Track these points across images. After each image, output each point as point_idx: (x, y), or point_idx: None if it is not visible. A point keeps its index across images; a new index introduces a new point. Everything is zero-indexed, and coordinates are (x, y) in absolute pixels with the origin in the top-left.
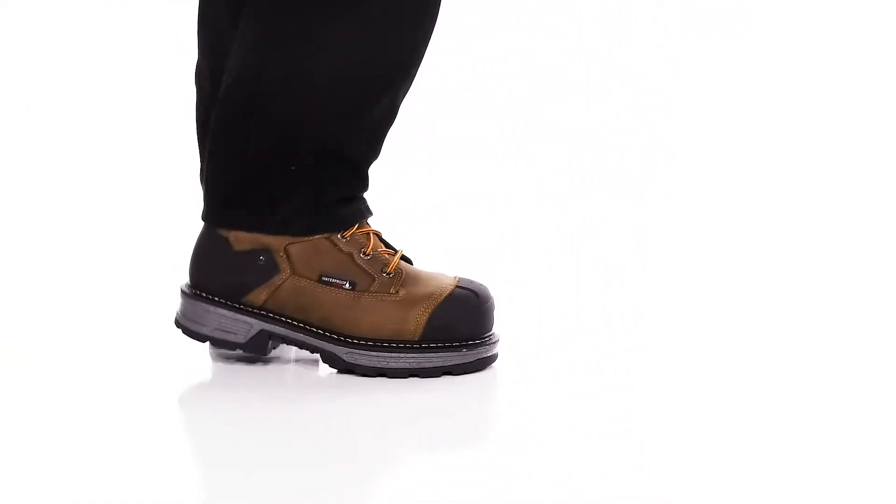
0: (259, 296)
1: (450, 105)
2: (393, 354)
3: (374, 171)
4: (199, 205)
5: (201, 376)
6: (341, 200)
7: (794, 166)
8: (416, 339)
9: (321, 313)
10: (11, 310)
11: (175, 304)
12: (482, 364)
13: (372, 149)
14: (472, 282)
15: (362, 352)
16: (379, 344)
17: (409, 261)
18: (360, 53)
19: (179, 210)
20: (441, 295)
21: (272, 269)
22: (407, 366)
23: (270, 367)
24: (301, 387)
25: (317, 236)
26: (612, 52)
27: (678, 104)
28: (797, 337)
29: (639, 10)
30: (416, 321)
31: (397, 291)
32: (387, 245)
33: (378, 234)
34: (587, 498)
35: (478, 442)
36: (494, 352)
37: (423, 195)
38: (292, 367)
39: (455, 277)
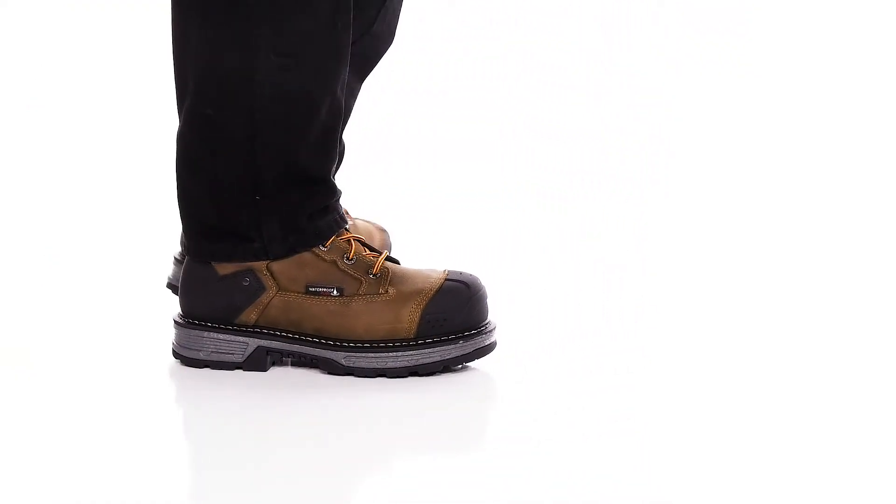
0: (250, 316)
1: (450, 105)
2: (391, 354)
3: (375, 171)
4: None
5: (201, 376)
6: (314, 214)
7: (793, 166)
8: (412, 335)
9: (314, 324)
10: (11, 310)
11: (171, 334)
12: (481, 353)
13: (328, 157)
14: (461, 273)
15: (360, 354)
16: (375, 345)
17: (395, 261)
18: (289, 66)
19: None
20: (432, 289)
21: (258, 288)
22: (406, 364)
23: (270, 368)
24: (300, 387)
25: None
26: (612, 52)
27: (678, 104)
28: (797, 336)
29: (639, 10)
30: (409, 318)
31: (387, 291)
32: (370, 249)
33: (360, 240)
34: (587, 498)
35: (477, 442)
36: (492, 340)
37: (423, 195)
38: (291, 367)
39: (444, 271)
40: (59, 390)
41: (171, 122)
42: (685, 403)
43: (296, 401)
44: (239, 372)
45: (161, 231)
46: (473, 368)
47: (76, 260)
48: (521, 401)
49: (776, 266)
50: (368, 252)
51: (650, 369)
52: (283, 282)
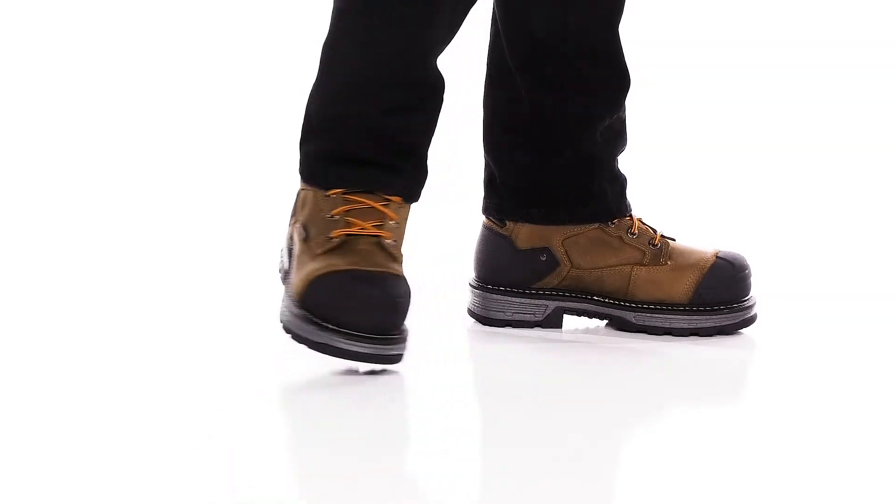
0: (549, 283)
1: (451, 105)
2: (674, 316)
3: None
4: (201, 205)
5: (203, 376)
6: (618, 189)
7: (793, 165)
8: (685, 302)
9: (604, 289)
10: (11, 310)
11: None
12: (746, 323)
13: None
14: (728, 252)
15: (648, 314)
16: (661, 308)
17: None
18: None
19: (178, 208)
20: (706, 265)
21: (553, 263)
22: (687, 326)
23: (274, 370)
24: (304, 388)
25: (590, 227)
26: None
27: (678, 104)
28: (797, 336)
29: (638, 10)
30: (685, 288)
31: (666, 262)
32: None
33: (640, 220)
34: (595, 499)
35: (477, 443)
36: (754, 312)
37: (428, 195)
38: (306, 368)
39: (715, 249)
40: (60, 390)
41: (170, 119)
42: (689, 404)
43: (299, 401)
44: (242, 372)
45: (160, 229)
46: (477, 369)
47: (80, 260)
48: (528, 402)
49: (776, 265)
50: (646, 226)
51: (654, 369)
52: (576, 260)
